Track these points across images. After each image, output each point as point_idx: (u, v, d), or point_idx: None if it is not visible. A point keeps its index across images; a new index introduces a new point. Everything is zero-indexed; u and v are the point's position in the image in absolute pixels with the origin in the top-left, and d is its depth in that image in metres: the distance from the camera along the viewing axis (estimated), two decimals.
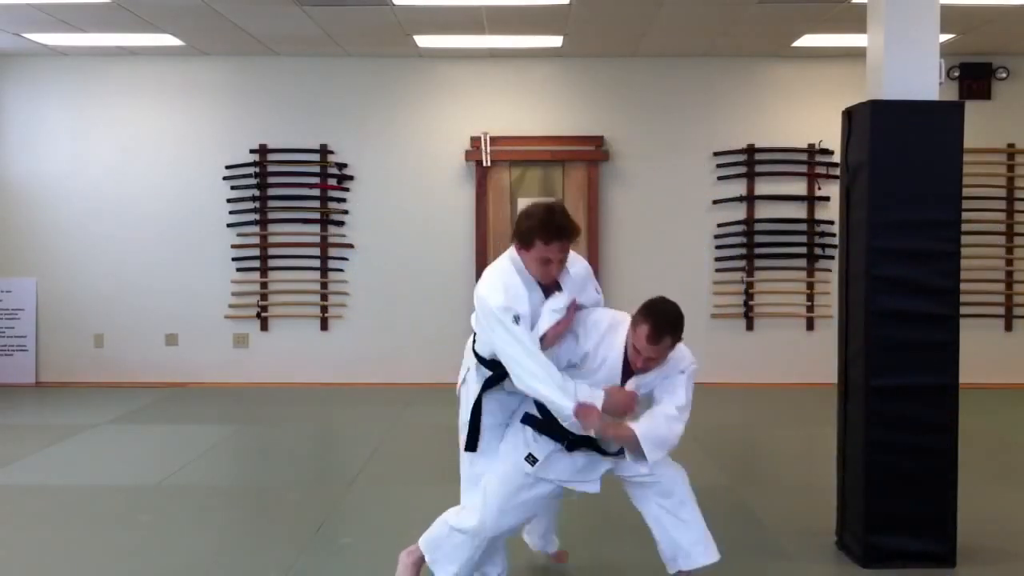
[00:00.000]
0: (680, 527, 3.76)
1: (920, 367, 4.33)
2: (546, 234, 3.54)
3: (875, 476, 4.35)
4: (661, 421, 3.61)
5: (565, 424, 3.59)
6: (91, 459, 6.67)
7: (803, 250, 9.25)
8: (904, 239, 4.33)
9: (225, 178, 9.30)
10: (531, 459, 3.73)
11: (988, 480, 5.88)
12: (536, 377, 3.49)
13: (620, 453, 3.72)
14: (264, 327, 9.41)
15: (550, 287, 3.71)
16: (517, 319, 3.52)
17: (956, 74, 9.06)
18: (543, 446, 3.73)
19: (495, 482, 3.77)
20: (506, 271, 3.66)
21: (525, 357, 3.50)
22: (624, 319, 3.72)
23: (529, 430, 3.75)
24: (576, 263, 3.80)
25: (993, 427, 7.52)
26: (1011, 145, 9.21)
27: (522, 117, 9.30)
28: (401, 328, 9.37)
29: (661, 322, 3.53)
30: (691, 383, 3.72)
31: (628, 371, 3.69)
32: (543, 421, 3.70)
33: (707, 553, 3.80)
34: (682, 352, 3.73)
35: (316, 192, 9.31)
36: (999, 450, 7.02)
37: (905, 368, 4.32)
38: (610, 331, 3.70)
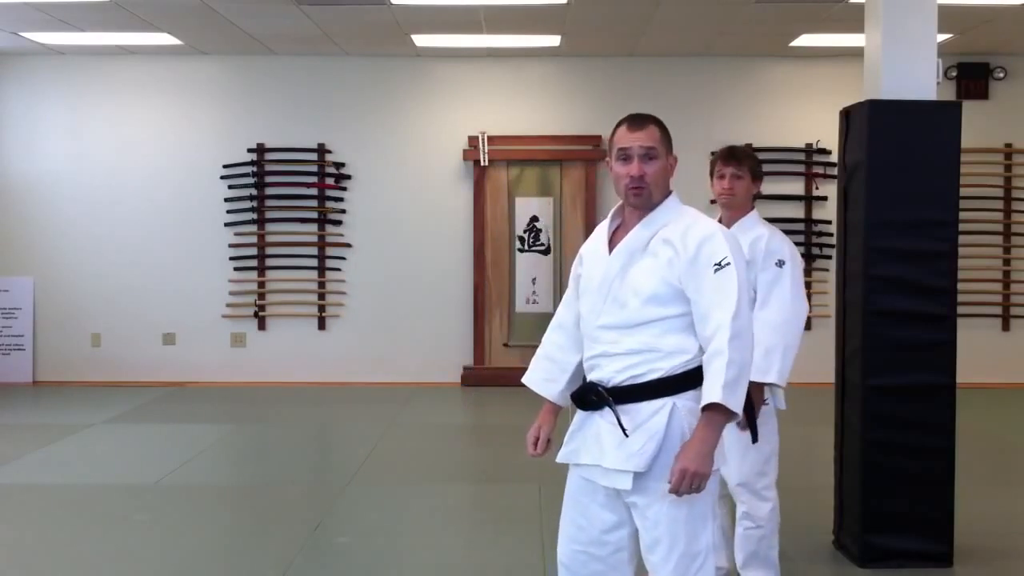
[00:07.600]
0: None
1: (917, 367, 4.33)
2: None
3: (872, 476, 4.36)
4: (717, 373, 2.52)
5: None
6: (88, 458, 6.66)
7: (800, 250, 9.21)
8: (902, 239, 4.33)
9: (223, 177, 9.29)
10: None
11: (985, 480, 5.89)
12: None
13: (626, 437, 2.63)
14: (262, 326, 9.40)
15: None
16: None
17: (954, 74, 9.06)
18: (575, 421, 2.83)
19: None
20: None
21: None
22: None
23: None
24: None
25: (990, 427, 7.52)
26: (1008, 145, 9.21)
27: (520, 116, 9.30)
28: (398, 327, 9.36)
29: (634, 114, 2.81)
30: (732, 280, 2.57)
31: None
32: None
33: None
34: (710, 227, 2.67)
35: (314, 191, 9.30)
36: (996, 450, 7.02)
37: (902, 368, 4.32)
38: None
